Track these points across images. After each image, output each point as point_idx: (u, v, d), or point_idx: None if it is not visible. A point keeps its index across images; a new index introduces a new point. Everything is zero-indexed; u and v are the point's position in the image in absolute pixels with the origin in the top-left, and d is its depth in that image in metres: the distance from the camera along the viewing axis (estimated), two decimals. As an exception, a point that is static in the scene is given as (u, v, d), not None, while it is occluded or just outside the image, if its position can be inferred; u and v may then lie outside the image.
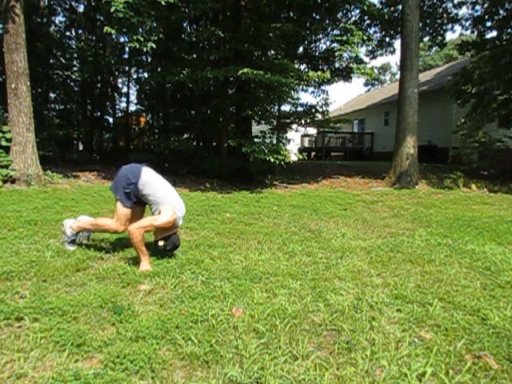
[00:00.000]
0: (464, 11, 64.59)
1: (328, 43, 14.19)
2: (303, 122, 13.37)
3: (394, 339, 2.09)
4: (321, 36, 14.26)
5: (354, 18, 14.39)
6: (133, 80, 16.23)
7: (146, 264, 3.09)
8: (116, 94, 16.34)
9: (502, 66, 11.79)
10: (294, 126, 14.43)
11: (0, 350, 1.86)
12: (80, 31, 15.78)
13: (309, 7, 11.59)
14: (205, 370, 1.79)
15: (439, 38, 15.69)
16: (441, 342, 2.08)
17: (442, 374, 1.79)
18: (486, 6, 13.91)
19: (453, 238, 4.64)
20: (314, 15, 12.49)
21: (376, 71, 46.02)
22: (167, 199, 3.24)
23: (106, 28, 8.08)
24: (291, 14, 12.30)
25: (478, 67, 12.86)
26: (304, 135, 22.71)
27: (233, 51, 10.10)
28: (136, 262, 3.25)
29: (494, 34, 13.85)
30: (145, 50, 8.24)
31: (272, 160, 9.06)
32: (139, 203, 3.35)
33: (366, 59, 20.75)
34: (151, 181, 3.27)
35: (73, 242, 3.53)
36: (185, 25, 12.74)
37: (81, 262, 3.14)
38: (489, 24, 13.65)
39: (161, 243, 3.28)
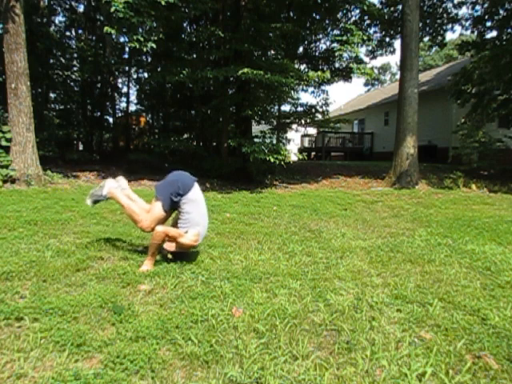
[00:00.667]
0: (464, 11, 64.62)
1: (328, 43, 14.21)
2: (303, 121, 13.37)
3: (394, 339, 2.09)
4: (321, 36, 14.28)
5: (354, 18, 14.40)
6: (133, 80, 16.25)
7: (149, 265, 3.09)
8: (116, 94, 16.34)
9: (502, 66, 11.79)
10: (294, 126, 14.44)
11: (0, 350, 1.86)
12: (80, 31, 15.79)
13: (309, 7, 11.59)
14: (205, 369, 1.79)
15: (439, 37, 15.70)
16: (441, 341, 2.08)
17: (442, 373, 1.79)
18: (486, 5, 13.92)
19: (453, 237, 4.64)
20: (314, 15, 12.50)
21: (376, 71, 46.03)
22: (199, 223, 3.25)
23: (105, 28, 8.08)
24: (291, 13, 12.30)
25: (478, 67, 12.86)
26: (304, 135, 22.72)
27: (233, 51, 10.10)
28: (136, 261, 3.25)
29: (494, 34, 13.87)
30: (145, 49, 8.24)
31: (272, 160, 9.06)
32: (173, 210, 3.37)
33: (366, 59, 20.76)
34: (196, 200, 3.26)
35: (97, 202, 3.46)
36: (185, 25, 12.75)
37: (81, 262, 3.14)
38: (489, 24, 13.67)
39: (170, 256, 3.30)
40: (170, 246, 3.21)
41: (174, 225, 3.41)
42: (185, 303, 2.45)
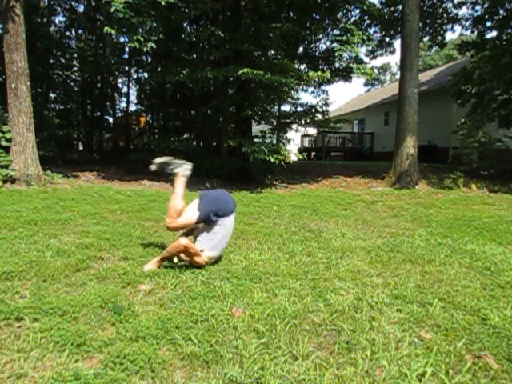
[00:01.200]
0: (464, 11, 64.62)
1: (328, 43, 14.22)
2: (303, 121, 13.37)
3: (394, 339, 2.09)
4: (321, 36, 14.28)
5: (354, 18, 14.40)
6: (133, 80, 16.24)
7: (154, 265, 3.09)
8: (116, 94, 16.35)
9: (502, 66, 11.78)
10: (294, 126, 14.43)
11: (0, 349, 1.86)
12: (80, 31, 15.80)
13: (309, 7, 11.59)
14: (205, 369, 1.79)
15: (439, 37, 15.70)
16: (441, 342, 2.08)
17: (442, 373, 1.79)
18: (486, 5, 13.92)
19: (453, 238, 4.64)
20: (314, 15, 12.50)
21: (376, 71, 45.99)
22: (218, 248, 3.23)
23: (105, 28, 8.08)
24: (291, 13, 12.31)
25: (478, 67, 12.86)
26: (304, 135, 22.72)
27: (233, 51, 10.10)
28: (136, 261, 3.25)
29: (494, 34, 13.88)
30: (145, 50, 8.25)
31: (272, 160, 9.06)
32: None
33: (366, 59, 20.77)
34: (227, 226, 3.23)
35: (162, 169, 3.40)
36: (185, 25, 12.76)
37: (81, 262, 3.14)
38: (489, 24, 13.67)
39: (175, 260, 3.24)
40: (183, 256, 3.19)
41: (186, 234, 3.38)
42: (185, 303, 2.45)
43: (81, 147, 16.02)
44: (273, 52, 11.92)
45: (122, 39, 14.56)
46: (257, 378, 1.72)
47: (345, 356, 1.93)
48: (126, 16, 7.50)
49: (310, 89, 13.98)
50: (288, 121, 13.26)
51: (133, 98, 31.63)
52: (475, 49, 13.35)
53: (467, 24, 15.28)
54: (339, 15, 13.44)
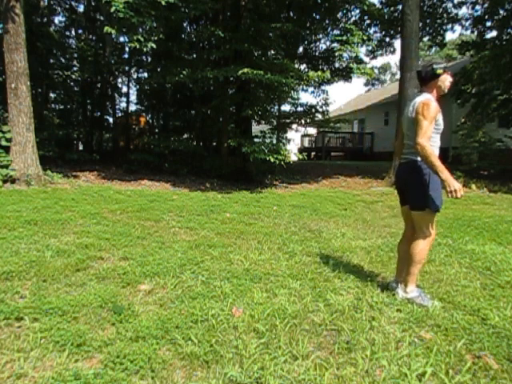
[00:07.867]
0: (464, 11, 64.56)
1: (328, 43, 14.21)
2: (303, 122, 13.38)
3: (393, 339, 2.09)
4: (321, 36, 14.27)
5: (353, 18, 14.42)
6: (133, 80, 16.22)
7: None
8: (116, 94, 16.31)
9: (502, 66, 11.80)
10: (294, 126, 14.44)
11: (0, 349, 1.86)
12: (80, 31, 15.78)
13: (309, 7, 11.59)
14: (205, 369, 1.79)
15: (439, 37, 15.72)
16: (441, 341, 2.08)
17: (442, 373, 1.79)
18: (485, 6, 13.93)
19: (453, 238, 4.64)
20: (314, 15, 12.50)
21: (376, 71, 45.85)
22: None
23: (105, 28, 8.08)
24: (291, 13, 12.31)
25: (478, 67, 12.88)
26: (304, 135, 22.72)
27: (233, 51, 10.09)
28: (136, 261, 3.25)
29: (494, 34, 13.89)
30: (145, 50, 8.24)
31: (272, 160, 9.06)
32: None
33: (366, 59, 20.82)
34: None
35: None
36: (185, 25, 12.74)
37: (81, 262, 3.14)
38: (489, 24, 13.69)
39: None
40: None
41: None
42: (185, 303, 2.45)
43: (81, 147, 15.98)
44: (273, 52, 11.91)
45: (122, 39, 14.53)
46: (257, 378, 1.72)
47: (345, 356, 1.93)
48: (126, 16, 7.49)
49: (310, 89, 13.98)
50: (288, 121, 13.25)
51: (133, 98, 31.56)
52: (475, 49, 13.37)
53: (467, 24, 15.32)
54: (339, 15, 13.44)
